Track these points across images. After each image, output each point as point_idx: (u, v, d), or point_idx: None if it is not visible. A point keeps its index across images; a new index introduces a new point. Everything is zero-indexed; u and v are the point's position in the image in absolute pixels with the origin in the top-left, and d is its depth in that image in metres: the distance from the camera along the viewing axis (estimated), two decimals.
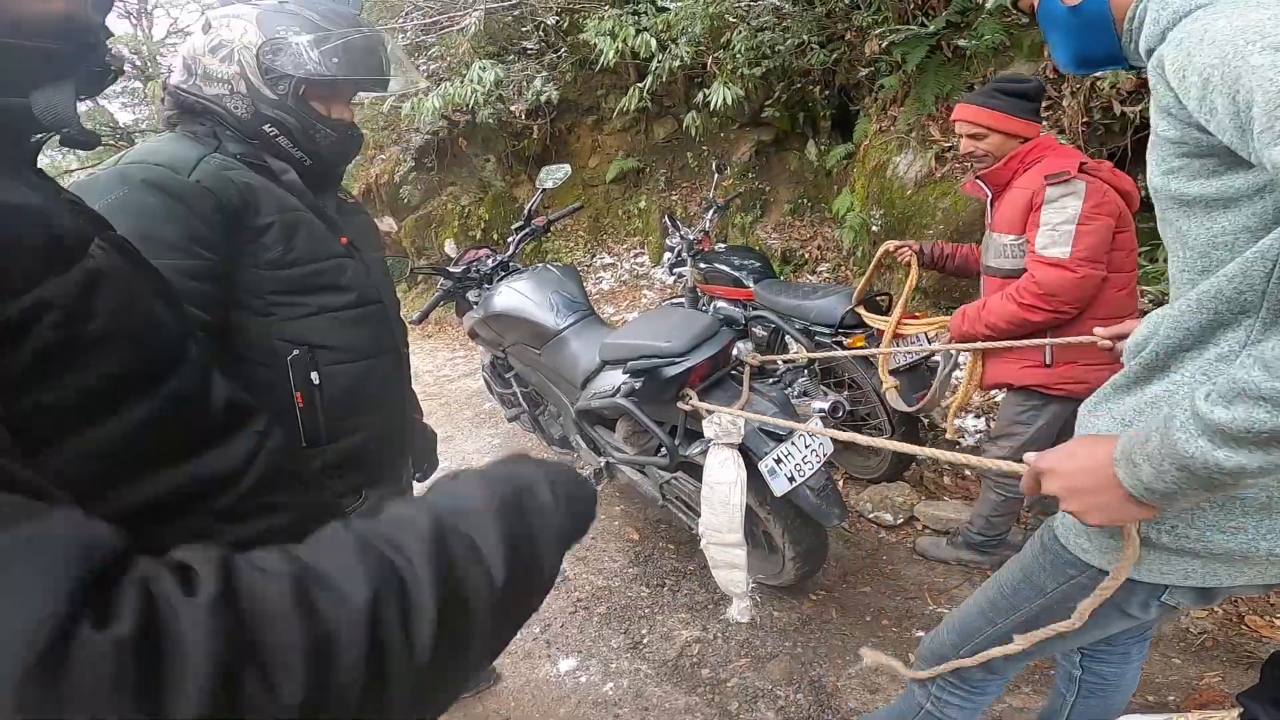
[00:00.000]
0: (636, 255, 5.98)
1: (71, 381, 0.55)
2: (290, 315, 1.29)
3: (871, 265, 2.65)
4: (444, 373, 5.21)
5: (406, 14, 6.53)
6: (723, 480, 1.79)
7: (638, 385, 2.02)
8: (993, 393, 3.24)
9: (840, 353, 2.32)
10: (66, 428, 0.56)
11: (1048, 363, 2.09)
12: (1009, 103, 2.04)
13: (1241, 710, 1.67)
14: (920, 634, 2.26)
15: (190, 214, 1.14)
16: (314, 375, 1.30)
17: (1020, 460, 1.00)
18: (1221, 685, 1.95)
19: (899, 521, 2.83)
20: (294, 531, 0.75)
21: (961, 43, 4.09)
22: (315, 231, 1.31)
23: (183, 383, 0.67)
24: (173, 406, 0.65)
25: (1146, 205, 1.09)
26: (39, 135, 0.64)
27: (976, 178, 2.20)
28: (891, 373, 2.59)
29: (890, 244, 2.57)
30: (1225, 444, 0.71)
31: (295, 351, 1.28)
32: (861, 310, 2.66)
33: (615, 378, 2.15)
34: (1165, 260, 1.18)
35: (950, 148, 3.93)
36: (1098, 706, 1.47)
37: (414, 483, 1.76)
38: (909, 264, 2.53)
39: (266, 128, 1.26)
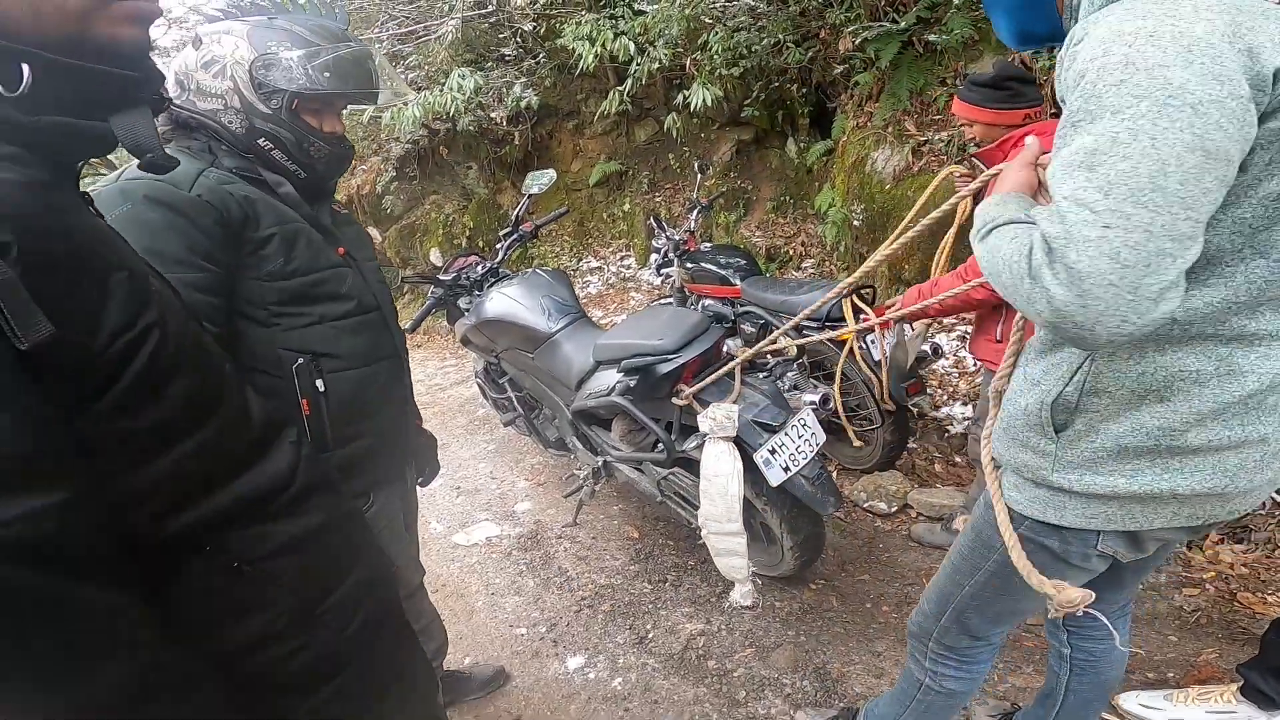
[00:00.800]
0: (623, 258, 6.00)
1: (152, 411, 0.58)
2: (293, 325, 1.31)
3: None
4: (435, 381, 5.20)
5: (382, 23, 6.52)
6: (720, 472, 1.82)
7: (632, 383, 2.05)
8: (979, 380, 3.30)
9: (825, 335, 2.34)
10: (151, 452, 0.58)
11: (997, 338, 2.14)
12: (978, 93, 2.10)
13: (1242, 682, 1.72)
14: None
15: (193, 227, 1.16)
16: (319, 383, 1.32)
17: None
18: (1218, 661, 2.00)
19: (893, 510, 2.88)
20: (329, 528, 0.79)
21: (932, 38, 4.16)
22: (314, 242, 1.34)
23: (232, 403, 0.70)
24: (229, 426, 0.68)
25: None
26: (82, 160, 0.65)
27: (972, 156, 2.27)
28: (877, 364, 2.63)
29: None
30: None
31: (300, 360, 1.30)
32: (849, 303, 2.70)
33: (610, 377, 2.18)
34: None
35: (925, 141, 4.00)
36: (1091, 683, 1.52)
37: (417, 487, 1.78)
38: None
39: (261, 142, 1.28)
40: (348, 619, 0.79)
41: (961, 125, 2.22)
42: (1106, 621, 1.22)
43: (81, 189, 0.66)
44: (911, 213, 2.67)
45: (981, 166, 2.24)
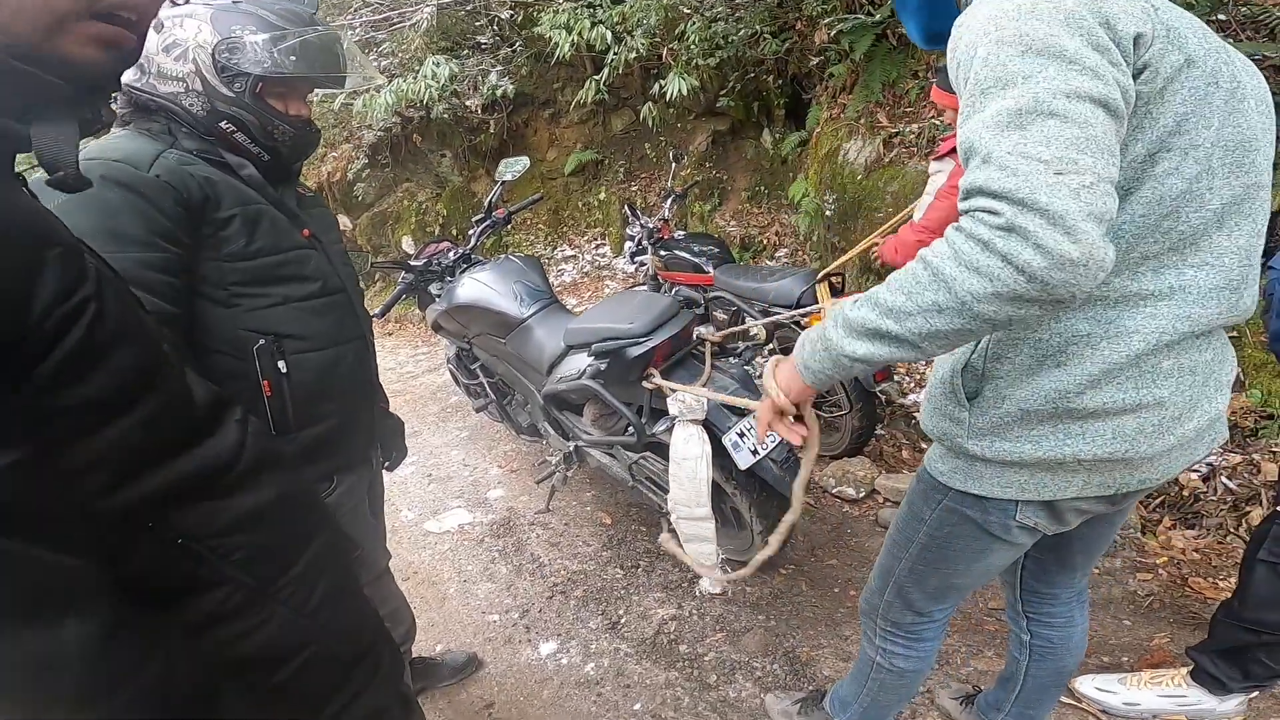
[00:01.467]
0: (598, 246, 6.00)
1: (92, 383, 0.58)
2: (254, 306, 1.30)
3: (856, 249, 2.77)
4: (407, 369, 5.16)
5: (355, 10, 6.42)
6: (689, 455, 1.83)
7: (603, 367, 2.06)
8: None
9: (793, 313, 2.37)
10: (85, 428, 0.59)
11: None
12: (944, 80, 2.16)
13: (1192, 666, 1.78)
14: None
15: (151, 208, 1.15)
16: (281, 364, 1.31)
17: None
18: (1170, 645, 2.06)
19: (861, 495, 2.92)
20: (281, 506, 0.79)
21: (905, 31, 4.20)
22: (278, 223, 1.32)
23: (171, 381, 0.70)
24: (169, 404, 0.68)
25: None
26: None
27: (941, 142, 2.35)
28: None
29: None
30: (849, 335, 0.93)
31: (261, 341, 1.29)
32: (822, 288, 2.74)
33: (581, 361, 2.18)
34: None
35: (896, 134, 4.05)
36: (1050, 669, 1.55)
37: (384, 471, 1.77)
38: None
39: (223, 124, 1.27)
40: (306, 597, 0.79)
41: (938, 114, 2.29)
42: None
43: (17, 171, 0.66)
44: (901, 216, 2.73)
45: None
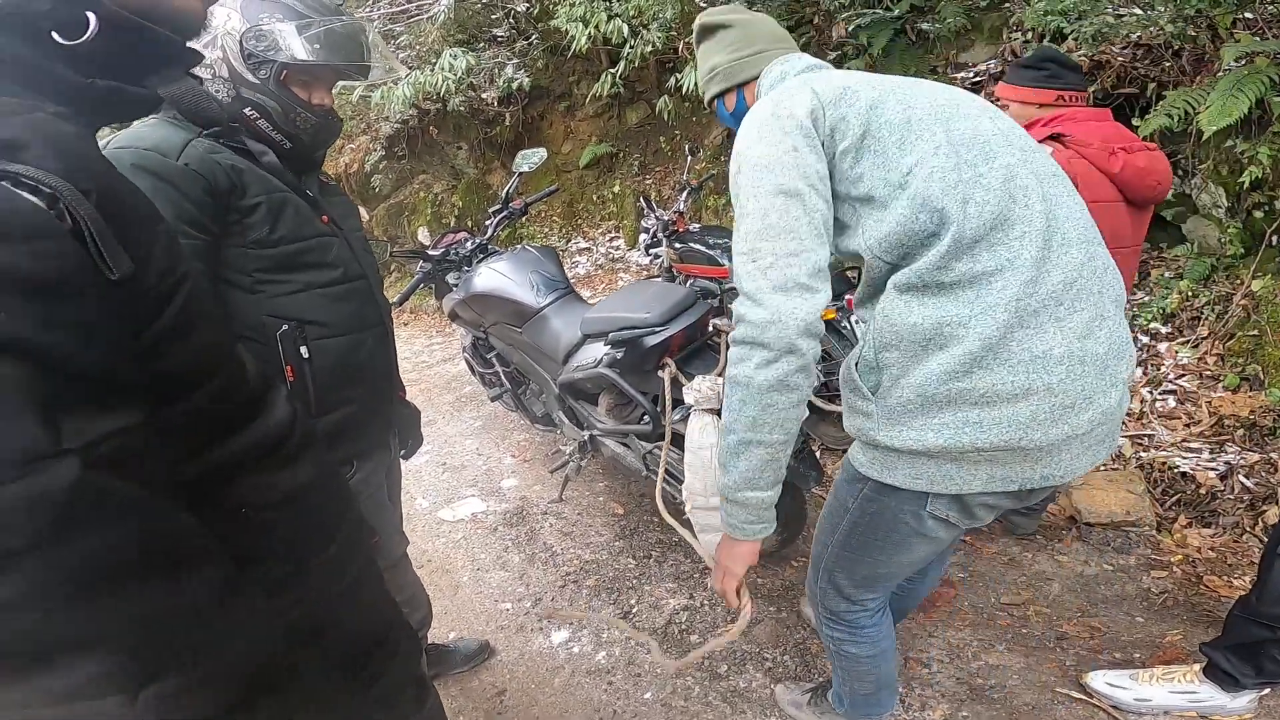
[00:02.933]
0: (612, 239, 6.00)
1: (179, 356, 0.61)
2: (277, 292, 1.32)
3: None
4: (422, 359, 5.19)
5: (374, 2, 6.45)
6: (704, 445, 1.84)
7: (619, 355, 2.07)
8: None
9: None
10: (174, 396, 0.61)
11: None
12: (1016, 73, 2.14)
13: (1204, 663, 1.77)
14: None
15: (181, 196, 1.17)
16: (303, 349, 1.33)
17: None
18: (1183, 643, 2.05)
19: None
20: (319, 486, 0.81)
21: (925, 26, 4.18)
22: (301, 211, 1.34)
23: (234, 357, 0.74)
24: (235, 378, 0.72)
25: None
26: None
27: None
28: None
29: None
30: (729, 465, 1.17)
31: (284, 327, 1.31)
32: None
33: (597, 350, 2.20)
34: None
35: None
36: (898, 610, 1.75)
37: (401, 460, 1.79)
38: None
39: (247, 111, 1.29)
40: (338, 577, 0.81)
41: (1001, 108, 2.23)
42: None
43: None
44: None
45: None
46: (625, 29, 4.84)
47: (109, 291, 0.52)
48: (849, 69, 4.50)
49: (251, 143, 1.30)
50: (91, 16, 0.54)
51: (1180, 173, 3.20)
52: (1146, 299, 3.28)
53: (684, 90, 4.77)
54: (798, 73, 1.22)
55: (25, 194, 0.47)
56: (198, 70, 1.24)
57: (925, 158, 1.05)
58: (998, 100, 2.26)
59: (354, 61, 1.34)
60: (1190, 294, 3.12)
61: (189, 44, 0.67)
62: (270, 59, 1.25)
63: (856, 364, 1.17)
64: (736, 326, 1.07)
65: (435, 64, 5.56)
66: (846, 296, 2.68)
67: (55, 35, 0.54)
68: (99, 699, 0.50)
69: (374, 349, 1.49)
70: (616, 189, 5.97)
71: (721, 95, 1.36)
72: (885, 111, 1.09)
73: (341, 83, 1.47)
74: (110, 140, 1.20)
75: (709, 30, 1.37)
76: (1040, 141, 1.98)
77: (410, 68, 5.78)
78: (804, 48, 4.64)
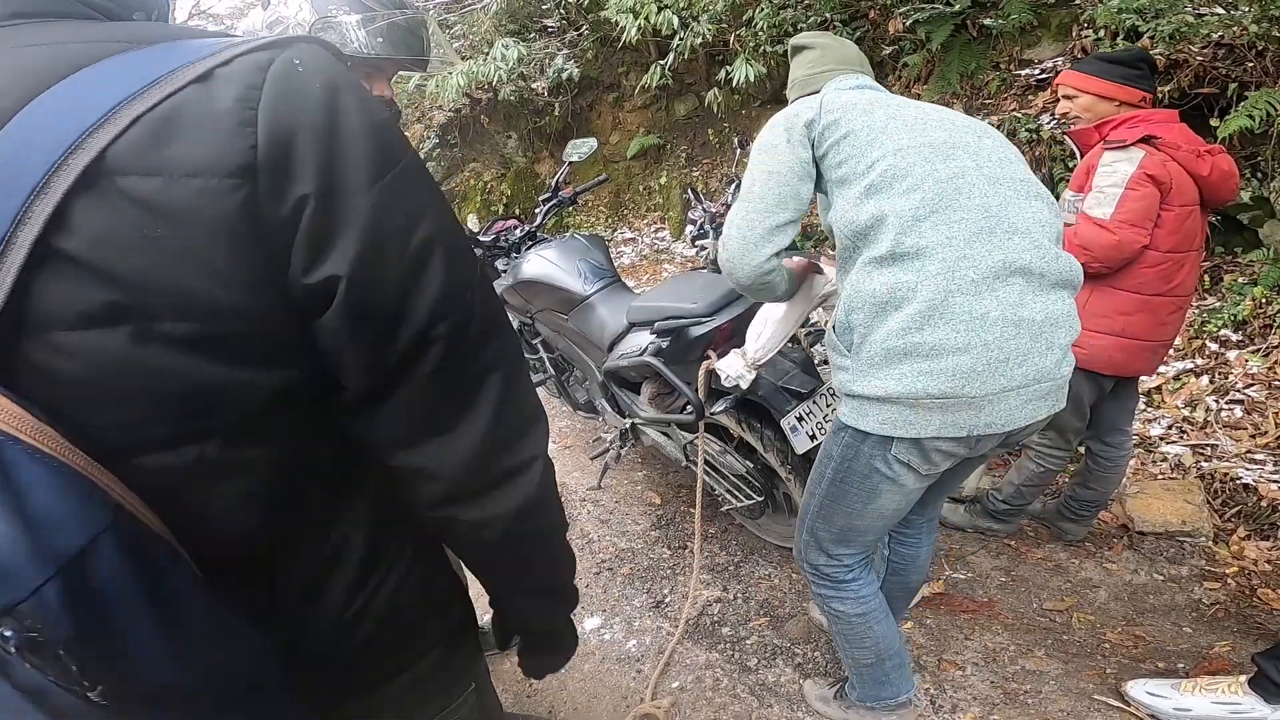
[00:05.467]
0: (657, 230, 6.01)
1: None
2: None
3: None
4: None
5: None
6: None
7: (664, 345, 2.08)
8: None
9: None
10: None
11: None
12: (1101, 66, 2.07)
13: (1252, 674, 1.72)
14: (938, 593, 2.32)
15: None
16: None
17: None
18: (1231, 655, 1.99)
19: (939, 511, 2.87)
20: None
21: (987, 22, 4.08)
22: None
23: None
24: None
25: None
26: None
27: (1064, 134, 2.26)
28: None
29: None
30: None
31: None
32: None
33: (642, 339, 2.21)
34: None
35: None
36: (899, 583, 1.84)
37: None
38: None
39: None
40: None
41: (1063, 96, 2.15)
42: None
43: None
44: None
45: (1075, 147, 2.21)
46: (675, 21, 4.83)
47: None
48: (905, 63, 4.46)
49: None
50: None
51: (1260, 175, 3.08)
52: (1218, 305, 3.16)
53: (734, 83, 4.75)
54: (839, 89, 1.48)
55: None
56: None
57: (889, 153, 1.31)
58: (1058, 88, 2.18)
59: (415, 55, 1.38)
60: (1264, 301, 3.00)
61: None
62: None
63: (835, 327, 1.39)
64: (719, 253, 1.46)
65: (487, 54, 5.64)
66: None
67: None
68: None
69: None
70: (663, 180, 5.98)
71: (796, 101, 1.61)
72: (869, 119, 1.37)
73: (403, 72, 1.51)
74: None
75: (797, 49, 1.67)
76: (1133, 144, 1.94)
77: (463, 57, 5.87)
78: (859, 42, 4.61)
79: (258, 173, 0.51)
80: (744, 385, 1.86)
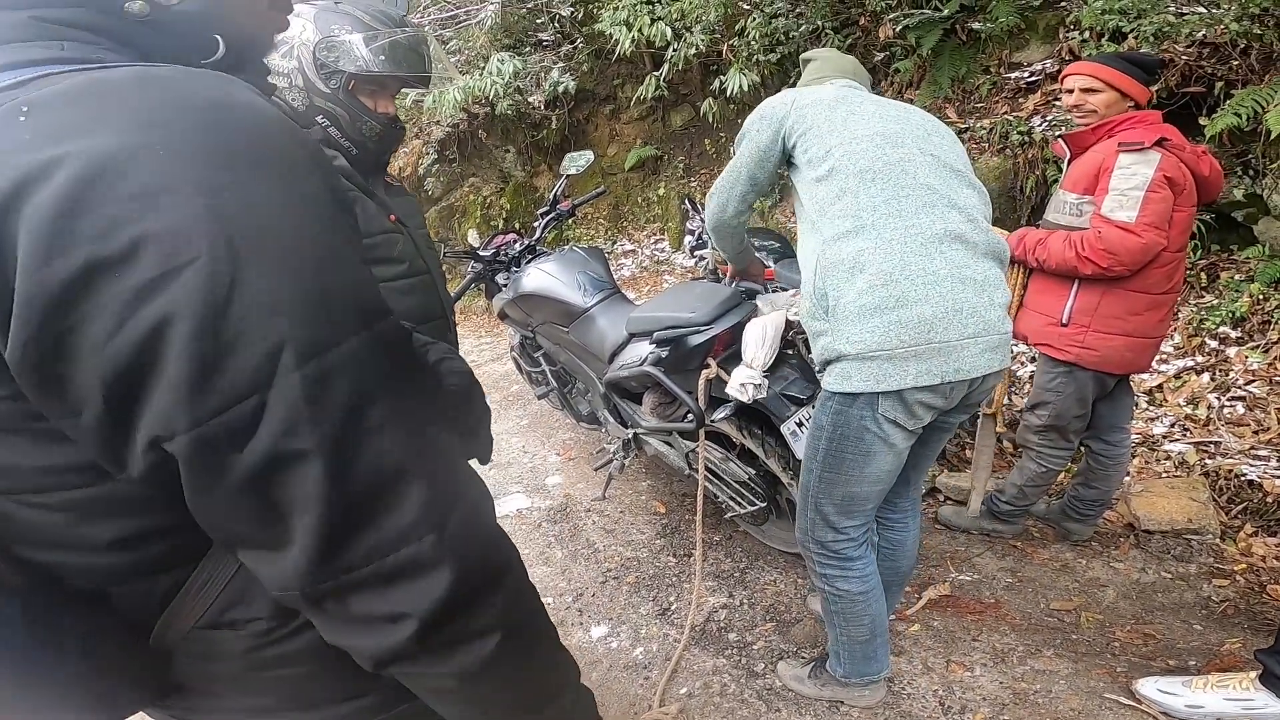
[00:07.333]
0: (657, 241, 6.03)
1: None
2: None
3: None
4: (471, 358, 5.30)
5: (424, 8, 6.62)
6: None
7: (664, 354, 2.09)
8: (1029, 367, 3.30)
9: None
10: None
11: (1063, 322, 2.14)
12: (1126, 65, 2.08)
13: (1261, 670, 1.72)
14: (944, 595, 2.32)
15: None
16: None
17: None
18: (1241, 652, 1.99)
19: (921, 492, 2.88)
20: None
21: (976, 26, 4.12)
22: (368, 209, 1.41)
23: None
24: None
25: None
26: None
27: (1059, 137, 2.26)
28: None
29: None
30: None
31: None
32: None
33: (642, 349, 2.22)
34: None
35: (966, 129, 3.96)
36: (890, 569, 1.91)
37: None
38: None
39: (319, 119, 1.35)
40: None
41: (1080, 88, 2.12)
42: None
43: None
44: None
45: (1067, 149, 2.22)
46: (669, 32, 4.87)
47: None
48: (897, 68, 4.49)
49: (323, 149, 1.37)
50: (220, 40, 0.63)
51: (1252, 173, 3.09)
52: (1216, 302, 3.17)
53: (728, 92, 4.78)
54: (817, 88, 1.71)
55: None
56: (273, 79, 1.32)
57: (845, 141, 1.52)
58: (1069, 79, 2.16)
59: (416, 71, 1.41)
60: (1261, 297, 3.01)
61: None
62: (340, 69, 1.32)
63: (811, 299, 1.53)
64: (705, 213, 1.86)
65: (483, 69, 5.68)
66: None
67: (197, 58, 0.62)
68: (418, 540, 0.55)
69: (438, 339, 1.54)
70: (661, 191, 6.01)
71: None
72: (831, 114, 1.57)
73: (406, 89, 1.54)
74: None
75: (806, 61, 1.95)
76: (1150, 146, 1.95)
77: (460, 72, 5.91)
78: (850, 49, 4.66)
79: None
80: (762, 393, 1.90)
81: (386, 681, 0.68)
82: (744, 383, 1.90)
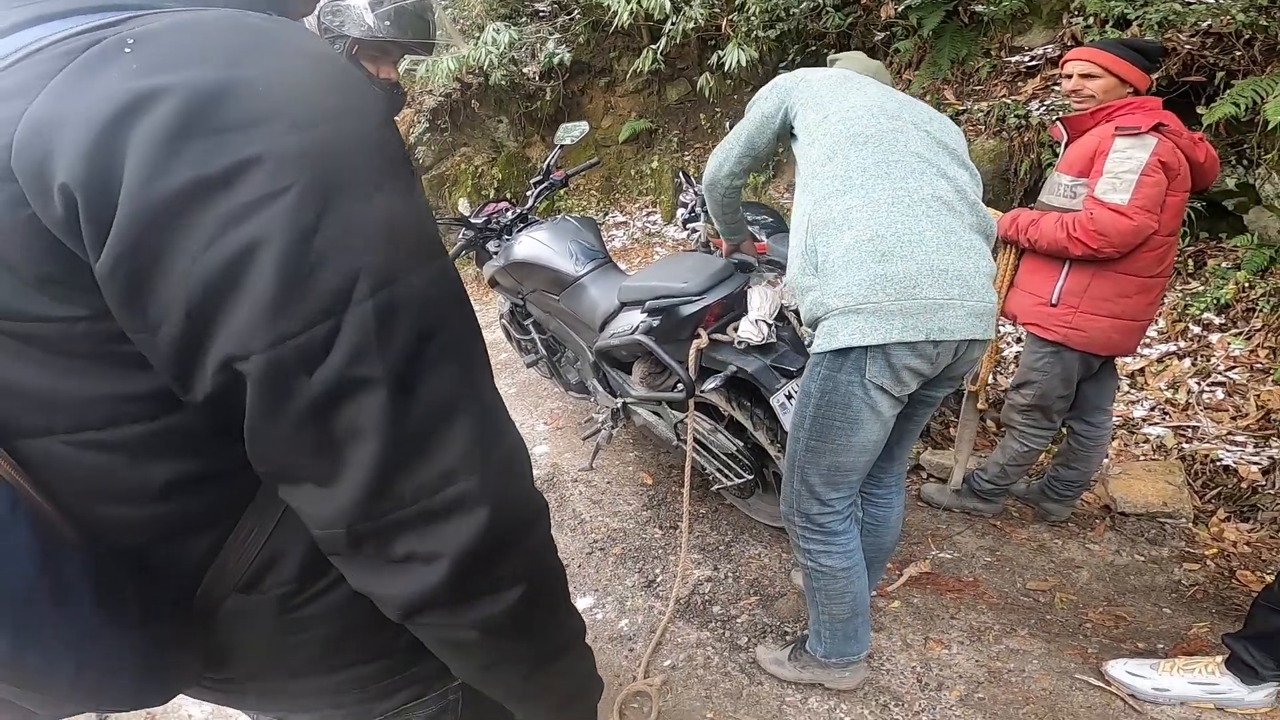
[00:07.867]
0: (649, 214, 6.00)
1: None
2: None
3: None
4: None
5: None
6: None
7: (655, 323, 2.09)
8: (1015, 347, 3.32)
9: None
10: None
11: (1052, 302, 2.16)
12: (1127, 52, 2.08)
13: (1227, 655, 1.76)
14: (925, 573, 2.35)
15: None
16: None
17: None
18: (1209, 636, 2.03)
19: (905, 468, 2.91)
20: None
21: (978, 9, 4.09)
22: None
23: None
24: None
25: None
26: None
27: (1058, 120, 2.26)
28: None
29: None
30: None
31: None
32: None
33: (634, 318, 2.22)
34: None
35: (963, 111, 3.95)
36: (873, 544, 1.93)
37: None
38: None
39: None
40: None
41: (1079, 74, 2.12)
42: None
43: None
44: None
45: (1065, 131, 2.23)
46: (667, 5, 4.80)
47: None
48: (897, 48, 4.46)
49: None
50: None
51: (1245, 163, 3.11)
52: (1201, 288, 3.20)
53: (725, 68, 4.73)
54: (828, 70, 1.78)
55: None
56: None
57: (842, 109, 1.58)
58: (1069, 64, 2.16)
59: (421, 38, 1.38)
60: (1246, 285, 3.04)
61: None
62: (344, 34, 1.30)
63: (800, 254, 1.56)
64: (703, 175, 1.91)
65: (478, 38, 5.58)
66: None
67: None
68: (465, 478, 0.56)
69: None
70: (655, 164, 5.96)
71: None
72: (837, 88, 1.64)
73: (410, 56, 1.51)
74: None
75: (832, 61, 2.05)
76: (1147, 131, 1.96)
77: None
78: (851, 28, 4.63)
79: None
80: (773, 337, 2.02)
81: (402, 644, 0.70)
82: (757, 319, 1.98)
